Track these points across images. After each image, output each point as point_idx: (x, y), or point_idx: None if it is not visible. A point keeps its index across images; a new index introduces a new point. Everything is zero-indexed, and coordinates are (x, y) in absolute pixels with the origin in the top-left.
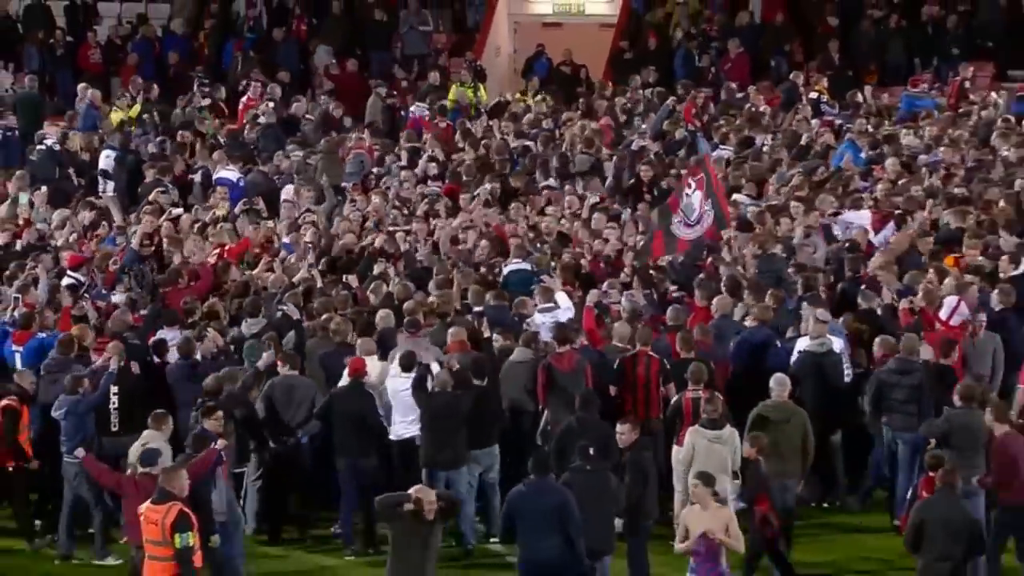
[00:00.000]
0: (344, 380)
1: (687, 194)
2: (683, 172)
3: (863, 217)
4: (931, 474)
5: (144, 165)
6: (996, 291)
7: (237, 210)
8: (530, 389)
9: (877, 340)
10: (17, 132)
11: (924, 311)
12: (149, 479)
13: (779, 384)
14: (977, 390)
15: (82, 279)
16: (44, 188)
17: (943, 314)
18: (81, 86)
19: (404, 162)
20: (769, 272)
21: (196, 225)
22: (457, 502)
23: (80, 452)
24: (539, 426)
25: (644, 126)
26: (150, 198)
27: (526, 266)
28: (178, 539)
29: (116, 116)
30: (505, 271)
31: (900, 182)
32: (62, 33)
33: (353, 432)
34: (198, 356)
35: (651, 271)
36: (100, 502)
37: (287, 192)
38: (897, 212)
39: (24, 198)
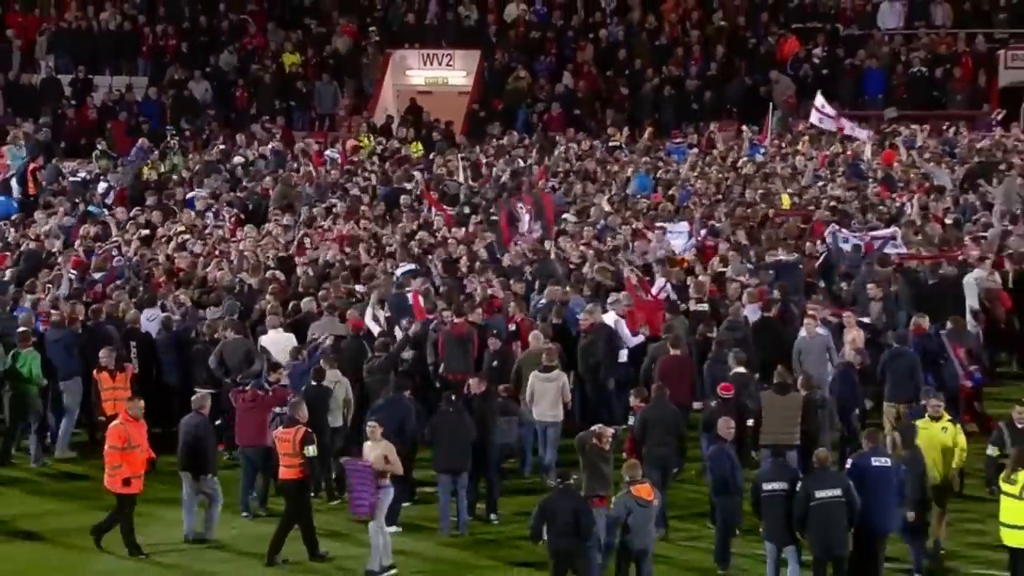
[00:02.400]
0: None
1: (519, 209)
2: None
3: (682, 227)
4: (638, 401)
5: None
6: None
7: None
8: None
9: (588, 308)
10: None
11: (643, 283)
12: (249, 394)
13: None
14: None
15: (78, 275)
16: (60, 210)
17: (654, 290)
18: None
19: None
20: (544, 272)
21: (164, 237)
22: None
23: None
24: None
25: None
26: (131, 213)
27: (412, 266)
28: (307, 450)
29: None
30: (398, 272)
31: (662, 205)
32: (68, 99)
33: (351, 365)
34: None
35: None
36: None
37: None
38: (712, 222)
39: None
